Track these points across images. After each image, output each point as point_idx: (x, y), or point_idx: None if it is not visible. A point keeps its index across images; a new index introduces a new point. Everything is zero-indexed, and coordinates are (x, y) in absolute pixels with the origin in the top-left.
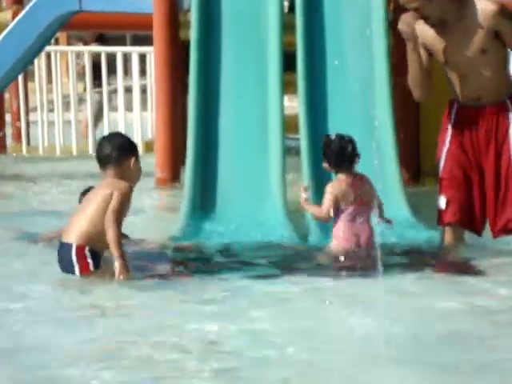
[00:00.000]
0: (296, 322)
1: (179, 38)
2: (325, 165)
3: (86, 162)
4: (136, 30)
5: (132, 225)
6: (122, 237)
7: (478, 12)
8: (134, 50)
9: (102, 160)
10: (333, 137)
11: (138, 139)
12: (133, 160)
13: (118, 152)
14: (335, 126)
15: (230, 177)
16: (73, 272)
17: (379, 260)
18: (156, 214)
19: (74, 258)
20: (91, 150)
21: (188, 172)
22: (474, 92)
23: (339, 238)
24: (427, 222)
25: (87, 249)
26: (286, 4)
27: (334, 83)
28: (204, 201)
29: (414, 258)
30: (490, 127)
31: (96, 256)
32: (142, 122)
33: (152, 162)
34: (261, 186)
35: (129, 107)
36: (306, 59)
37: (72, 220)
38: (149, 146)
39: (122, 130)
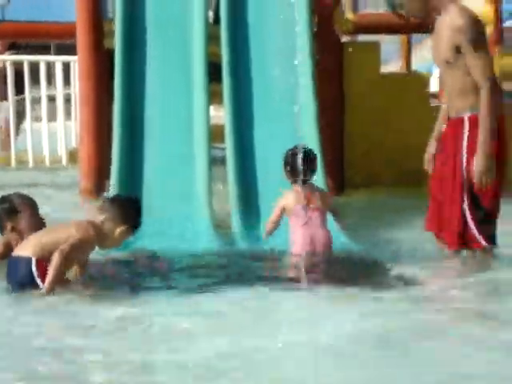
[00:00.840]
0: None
1: (103, 46)
2: (285, 175)
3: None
4: (59, 39)
5: None
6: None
7: (448, 21)
8: (58, 59)
9: (108, 203)
10: (295, 150)
11: (62, 149)
12: (124, 228)
13: (122, 211)
14: (261, 136)
15: (156, 185)
16: (31, 284)
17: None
18: None
19: (35, 270)
20: (13, 161)
21: (113, 181)
22: (447, 99)
23: (296, 244)
24: (349, 231)
25: (46, 262)
26: (211, 15)
27: (260, 94)
28: None
29: (333, 268)
30: (453, 139)
31: None
32: (65, 131)
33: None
34: (187, 194)
35: (51, 117)
36: (231, 70)
37: (29, 239)
38: (73, 156)
39: (45, 139)
